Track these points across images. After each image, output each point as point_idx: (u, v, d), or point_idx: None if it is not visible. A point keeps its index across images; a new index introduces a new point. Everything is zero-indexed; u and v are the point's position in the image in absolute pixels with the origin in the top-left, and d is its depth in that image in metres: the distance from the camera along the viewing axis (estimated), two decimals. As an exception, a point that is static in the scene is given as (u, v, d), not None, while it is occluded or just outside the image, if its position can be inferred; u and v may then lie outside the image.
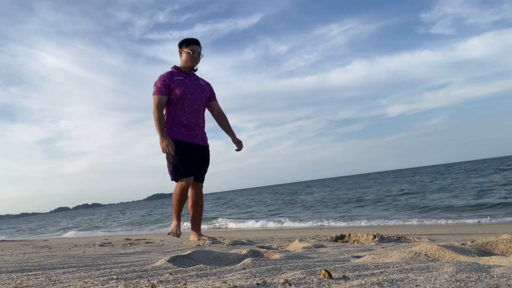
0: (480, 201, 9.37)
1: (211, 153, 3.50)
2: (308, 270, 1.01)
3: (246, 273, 1.03)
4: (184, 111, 3.23)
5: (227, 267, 1.16)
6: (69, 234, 13.56)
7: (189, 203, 3.45)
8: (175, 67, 3.35)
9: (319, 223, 8.64)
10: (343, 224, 8.28)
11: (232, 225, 10.61)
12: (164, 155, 3.30)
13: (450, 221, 7.06)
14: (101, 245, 3.34)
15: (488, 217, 6.81)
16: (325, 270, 0.91)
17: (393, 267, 1.00)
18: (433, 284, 0.77)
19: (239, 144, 3.50)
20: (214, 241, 3.10)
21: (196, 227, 3.48)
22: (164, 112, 3.30)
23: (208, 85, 3.45)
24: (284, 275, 0.98)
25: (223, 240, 3.27)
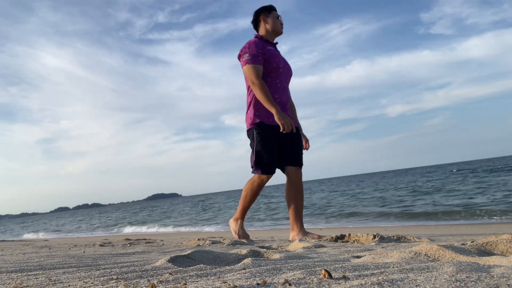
0: (476, 200, 9.37)
1: None
2: (308, 270, 1.01)
3: (246, 273, 1.03)
4: (277, 88, 2.78)
5: (227, 267, 1.16)
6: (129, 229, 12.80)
7: (289, 193, 2.89)
8: (258, 36, 2.87)
9: (319, 223, 8.64)
10: (343, 224, 8.28)
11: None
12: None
13: (450, 222, 7.07)
14: (101, 245, 3.34)
15: (487, 217, 6.82)
16: (325, 270, 0.91)
17: (393, 267, 0.99)
18: (433, 284, 0.77)
19: (307, 143, 3.10)
20: (214, 241, 3.10)
21: (299, 222, 2.94)
22: (250, 89, 2.80)
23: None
24: (284, 275, 0.98)
25: (223, 240, 3.27)
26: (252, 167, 2.91)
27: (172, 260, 1.31)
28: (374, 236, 2.80)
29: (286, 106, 2.88)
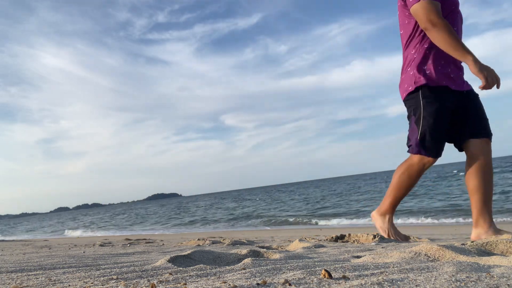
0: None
1: None
2: (308, 270, 1.01)
3: (246, 273, 1.03)
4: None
5: (227, 267, 1.16)
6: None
7: (475, 177, 2.09)
8: None
9: (319, 223, 8.64)
10: (342, 223, 8.29)
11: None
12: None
13: (450, 221, 7.07)
14: (101, 245, 3.34)
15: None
16: (325, 270, 0.91)
17: (393, 267, 0.99)
18: (433, 284, 0.77)
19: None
20: (214, 241, 3.10)
21: (488, 216, 2.15)
22: (417, 41, 2.11)
23: None
24: (284, 275, 0.98)
25: (223, 240, 3.27)
26: (410, 146, 2.21)
27: (172, 260, 1.31)
28: (374, 236, 2.80)
29: (461, 70, 2.16)
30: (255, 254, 1.60)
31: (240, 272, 1.06)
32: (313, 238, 3.35)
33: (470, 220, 6.92)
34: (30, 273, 1.21)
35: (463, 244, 1.59)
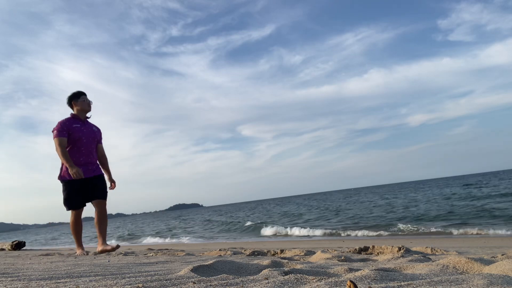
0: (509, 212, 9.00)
1: None
2: (333, 281, 1.00)
3: (269, 283, 1.03)
4: (80, 153, 3.90)
5: (250, 277, 1.16)
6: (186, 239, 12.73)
7: (95, 219, 3.99)
8: (72, 114, 3.98)
9: (342, 234, 8.49)
10: (366, 235, 8.11)
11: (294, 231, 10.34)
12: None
13: (479, 233, 6.81)
14: (124, 255, 3.39)
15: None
16: (350, 281, 0.90)
17: (420, 279, 0.97)
18: (464, 297, 0.75)
19: (112, 183, 4.13)
20: (235, 251, 3.10)
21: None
22: None
23: (98, 130, 4.16)
24: (307, 286, 0.97)
25: (244, 250, 3.26)
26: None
27: (195, 270, 1.32)
28: (400, 248, 2.73)
29: (90, 161, 3.97)
30: (277, 265, 1.59)
31: (262, 282, 1.06)
32: (336, 250, 3.30)
33: (499, 232, 6.64)
34: (59, 281, 1.24)
35: (493, 257, 1.53)
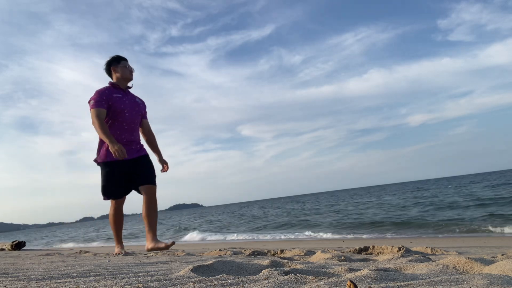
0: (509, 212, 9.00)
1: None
2: (332, 281, 1.00)
3: (269, 283, 1.03)
4: (122, 129, 3.22)
5: (250, 277, 1.16)
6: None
7: (143, 210, 3.31)
8: (111, 83, 3.29)
9: (342, 235, 8.49)
10: (366, 235, 8.11)
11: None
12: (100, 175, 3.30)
13: (478, 234, 6.81)
14: (124, 255, 3.39)
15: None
16: (350, 281, 0.90)
17: (420, 279, 0.97)
18: (464, 297, 0.75)
19: (164, 164, 3.50)
20: (235, 251, 3.10)
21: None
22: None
23: (143, 103, 3.48)
24: (308, 286, 0.97)
25: (244, 250, 3.27)
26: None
27: (195, 270, 1.32)
28: (399, 248, 2.74)
29: (133, 140, 3.31)
30: (277, 265, 1.59)
31: (262, 282, 1.06)
32: (336, 250, 3.30)
33: (500, 232, 6.64)
34: (59, 281, 1.24)
35: (493, 257, 1.53)
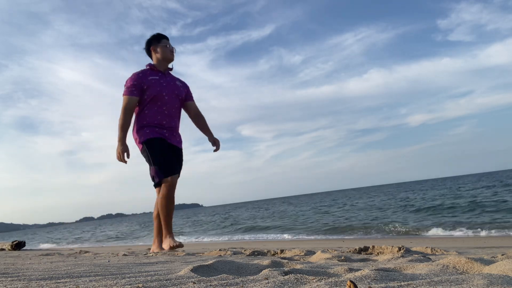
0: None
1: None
2: (332, 281, 1.00)
3: (269, 283, 1.03)
4: (162, 114, 3.00)
5: (250, 277, 1.16)
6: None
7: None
8: (149, 65, 3.09)
9: (342, 235, 8.49)
10: (366, 236, 8.11)
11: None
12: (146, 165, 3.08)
13: (479, 234, 6.81)
14: (124, 255, 3.39)
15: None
16: (350, 281, 0.90)
17: (420, 279, 0.97)
18: (464, 297, 0.75)
19: (216, 143, 3.31)
20: (235, 251, 3.10)
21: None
22: (137, 112, 3.08)
23: (184, 85, 3.23)
24: (307, 286, 0.97)
25: (244, 250, 3.26)
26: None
27: (195, 270, 1.32)
28: (400, 248, 2.74)
29: (174, 126, 3.11)
30: (277, 265, 1.59)
31: (262, 282, 1.06)
32: (336, 250, 3.30)
33: (501, 233, 6.65)
34: (59, 281, 1.24)
35: (493, 257, 1.54)
